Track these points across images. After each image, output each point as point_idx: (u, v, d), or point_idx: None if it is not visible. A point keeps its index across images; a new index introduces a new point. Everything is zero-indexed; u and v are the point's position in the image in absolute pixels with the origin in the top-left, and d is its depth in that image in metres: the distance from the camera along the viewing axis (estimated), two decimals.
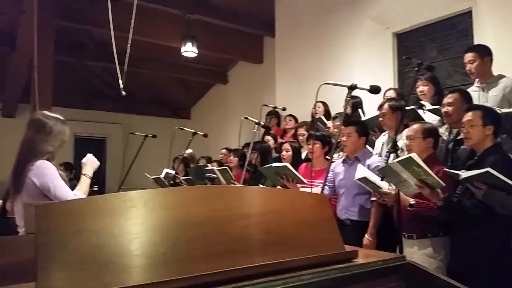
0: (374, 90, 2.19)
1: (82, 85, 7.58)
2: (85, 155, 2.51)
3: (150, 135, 4.50)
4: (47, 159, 2.30)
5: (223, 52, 7.10)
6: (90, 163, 2.47)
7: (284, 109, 5.11)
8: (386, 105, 3.09)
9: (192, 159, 5.63)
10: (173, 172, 4.87)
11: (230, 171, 3.91)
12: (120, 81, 3.61)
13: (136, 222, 1.12)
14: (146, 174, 4.92)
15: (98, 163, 2.49)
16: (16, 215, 2.33)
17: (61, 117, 2.44)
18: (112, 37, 3.59)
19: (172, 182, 4.45)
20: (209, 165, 4.81)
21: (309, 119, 4.65)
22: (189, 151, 4.91)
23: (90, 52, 6.93)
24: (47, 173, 2.23)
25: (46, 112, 2.49)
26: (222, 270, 1.12)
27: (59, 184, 2.24)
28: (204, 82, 8.57)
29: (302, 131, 4.19)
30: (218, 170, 3.89)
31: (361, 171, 2.64)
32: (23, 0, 5.17)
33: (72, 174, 5.63)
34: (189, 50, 6.03)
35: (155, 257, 1.10)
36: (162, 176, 4.93)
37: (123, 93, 3.50)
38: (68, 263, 1.01)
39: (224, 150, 5.40)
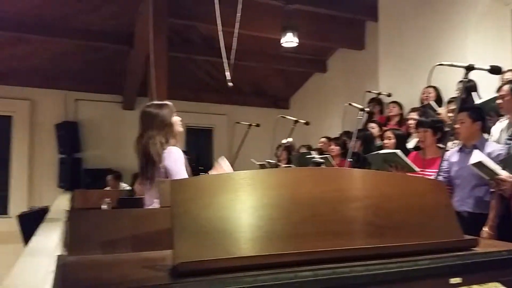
0: (495, 70, 2.03)
1: (191, 79, 8.12)
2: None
3: (254, 124, 4.70)
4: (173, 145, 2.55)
5: (322, 41, 7.06)
6: (223, 166, 2.59)
7: (389, 95, 4.94)
8: (506, 87, 2.83)
9: (293, 147, 5.75)
10: (272, 160, 5.04)
11: (331, 159, 3.91)
12: (227, 73, 3.82)
13: (255, 198, 1.21)
14: (252, 160, 5.15)
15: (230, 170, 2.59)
16: (146, 195, 2.63)
17: (169, 103, 2.66)
18: (219, 32, 3.81)
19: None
20: (312, 152, 4.87)
21: (415, 105, 4.44)
22: (289, 139, 5.02)
23: (197, 47, 7.39)
24: (174, 157, 2.48)
25: (154, 102, 2.73)
26: (337, 248, 1.16)
27: (182, 169, 2.47)
28: (303, 71, 8.61)
29: (413, 115, 3.99)
30: (320, 158, 3.92)
31: (476, 156, 2.47)
32: (140, 3, 5.70)
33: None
34: (289, 40, 6.10)
35: (272, 232, 1.18)
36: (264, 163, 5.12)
37: (230, 84, 3.70)
38: (199, 233, 1.13)
39: (323, 139, 5.40)
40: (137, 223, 1.40)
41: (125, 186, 6.36)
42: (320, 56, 8.13)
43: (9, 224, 6.39)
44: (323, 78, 8.29)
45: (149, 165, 2.52)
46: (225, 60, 3.88)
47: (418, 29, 5.36)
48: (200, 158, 7.58)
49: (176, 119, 2.61)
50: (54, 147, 7.36)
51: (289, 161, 5.30)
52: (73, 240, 1.35)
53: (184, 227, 1.12)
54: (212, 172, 2.62)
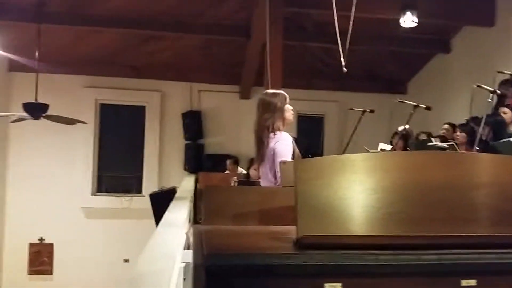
0: None
1: (303, 66, 8.20)
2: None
3: (368, 110, 4.58)
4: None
5: (445, 18, 6.53)
6: None
7: None
8: None
9: (410, 134, 5.48)
10: (389, 147, 4.86)
11: (457, 147, 3.67)
12: (342, 59, 3.80)
13: (375, 180, 1.23)
14: (365, 147, 5.05)
15: None
16: (262, 179, 2.83)
17: (282, 92, 2.83)
18: (334, 17, 3.80)
19: None
20: (432, 139, 4.60)
21: None
22: (407, 126, 4.80)
23: (309, 34, 7.42)
24: (283, 142, 2.66)
25: (269, 91, 2.93)
26: (463, 234, 1.13)
27: (289, 155, 2.63)
28: (423, 53, 8.06)
29: None
30: (444, 145, 3.70)
31: None
32: None
33: None
34: (408, 20, 5.80)
35: (392, 214, 1.19)
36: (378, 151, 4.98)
37: (345, 69, 3.69)
38: (320, 210, 1.19)
39: (446, 125, 5.06)
40: (262, 199, 1.53)
41: (242, 170, 6.75)
42: (442, 35, 7.54)
43: (143, 202, 7.26)
44: (447, 59, 7.68)
45: (261, 148, 2.74)
46: (340, 45, 3.86)
47: None
48: (310, 146, 7.67)
49: (288, 107, 2.78)
50: (180, 134, 8.11)
51: (405, 149, 5.07)
52: (207, 212, 1.53)
53: (307, 204, 1.19)
54: None
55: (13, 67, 7.64)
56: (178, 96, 8.30)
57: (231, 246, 1.22)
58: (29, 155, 7.86)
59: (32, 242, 7.87)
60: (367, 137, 6.03)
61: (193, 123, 7.98)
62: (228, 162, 6.99)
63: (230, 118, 8.31)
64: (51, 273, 7.94)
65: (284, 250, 1.13)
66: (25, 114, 5.53)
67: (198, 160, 7.73)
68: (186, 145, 8.09)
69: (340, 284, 1.08)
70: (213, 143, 8.16)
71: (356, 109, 4.82)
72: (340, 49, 3.74)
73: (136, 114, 8.33)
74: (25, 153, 7.86)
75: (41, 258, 7.86)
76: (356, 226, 1.17)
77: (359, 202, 1.20)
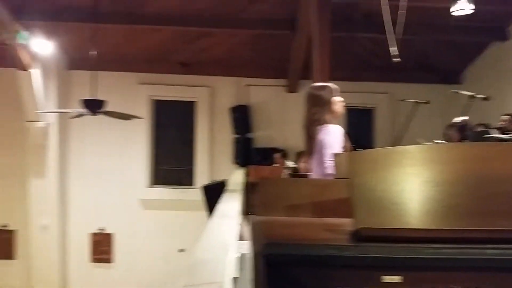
0: None
1: (351, 58, 8.05)
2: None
3: (422, 101, 4.44)
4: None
5: (502, 4, 6.17)
6: None
7: None
8: None
9: (467, 126, 5.24)
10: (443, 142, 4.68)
11: None
12: (392, 49, 3.71)
13: (433, 173, 1.21)
14: (418, 140, 4.90)
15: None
16: (313, 172, 2.84)
17: (331, 86, 2.80)
18: (384, 6, 3.71)
19: None
20: (490, 131, 4.39)
21: None
22: (464, 117, 4.59)
23: (357, 25, 7.26)
24: (332, 134, 2.64)
25: (316, 84, 2.91)
26: None
27: (334, 146, 2.60)
28: (478, 41, 7.67)
29: None
30: (504, 137, 3.52)
31: None
32: None
33: None
34: (461, 8, 5.52)
35: (452, 207, 1.16)
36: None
37: (397, 60, 3.60)
38: (377, 203, 1.19)
39: (506, 116, 4.80)
40: (315, 191, 1.55)
41: (290, 163, 6.77)
42: (498, 23, 7.13)
43: (195, 194, 7.47)
44: (503, 47, 7.26)
45: (310, 141, 2.74)
46: (389, 35, 3.76)
47: None
48: (360, 139, 7.53)
49: (336, 99, 2.75)
50: (229, 128, 8.25)
51: (461, 141, 4.87)
52: (261, 203, 1.57)
53: (364, 196, 1.19)
54: None
55: (72, 65, 8.10)
56: (227, 91, 8.44)
57: (289, 236, 1.25)
58: (89, 150, 8.34)
59: (93, 232, 8.37)
60: (420, 129, 5.84)
61: (242, 117, 8.09)
62: (276, 155, 7.04)
63: (277, 112, 8.34)
64: (111, 261, 8.41)
65: (341, 242, 1.14)
66: (84, 110, 5.84)
67: (247, 153, 7.83)
68: (235, 139, 8.21)
69: (399, 277, 1.08)
70: (261, 136, 8.24)
71: (408, 100, 4.68)
72: (390, 40, 3.65)
73: (187, 110, 8.57)
74: (85, 147, 8.34)
75: (101, 247, 8.35)
76: (415, 219, 1.16)
77: (417, 195, 1.18)
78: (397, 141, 4.53)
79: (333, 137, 2.64)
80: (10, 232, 8.35)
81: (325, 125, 2.69)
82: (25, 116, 7.61)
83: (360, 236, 1.12)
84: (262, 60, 8.07)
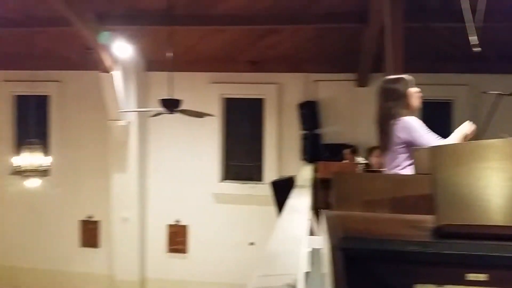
0: None
1: (426, 49, 7.67)
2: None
3: (506, 93, 4.13)
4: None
5: None
6: (465, 129, 2.55)
7: None
8: None
9: None
10: None
11: None
12: (473, 38, 3.49)
13: None
14: (501, 134, 4.58)
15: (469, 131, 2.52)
16: (387, 167, 2.77)
17: (406, 77, 2.68)
18: None
19: None
20: None
21: None
22: None
23: (432, 14, 6.90)
24: (409, 126, 2.55)
25: (390, 77, 2.79)
26: None
27: (420, 134, 2.51)
28: None
29: None
30: None
31: None
32: None
33: None
34: None
35: None
36: None
37: (478, 49, 3.39)
38: (461, 199, 1.16)
39: None
40: (393, 187, 1.53)
41: (360, 159, 6.63)
42: None
43: (264, 189, 7.60)
44: None
45: (385, 136, 2.65)
46: (468, 23, 3.54)
47: None
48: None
49: (412, 91, 2.64)
50: (297, 124, 8.25)
51: None
52: (337, 198, 1.59)
53: (447, 192, 1.17)
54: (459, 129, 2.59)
55: (150, 67, 8.58)
56: (294, 87, 8.44)
57: (367, 231, 1.25)
58: (165, 146, 8.82)
59: (169, 223, 8.84)
60: (503, 123, 5.43)
61: (310, 113, 8.05)
62: (346, 151, 6.93)
63: (346, 107, 8.19)
64: (186, 252, 8.84)
65: (423, 238, 1.13)
66: (162, 109, 6.17)
67: (315, 150, 7.79)
68: (303, 135, 8.20)
69: (484, 275, 1.05)
70: (330, 132, 8.14)
71: (490, 92, 4.37)
72: (471, 28, 3.44)
73: (256, 107, 8.71)
74: (162, 144, 8.83)
75: (177, 238, 8.80)
76: (500, 215, 1.12)
77: (503, 191, 1.14)
78: (478, 136, 4.25)
79: (415, 129, 2.53)
80: (95, 222, 9.09)
81: (401, 118, 2.60)
82: (108, 115, 8.21)
83: (442, 233, 1.11)
84: (330, 54, 7.96)
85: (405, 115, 2.63)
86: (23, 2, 7.14)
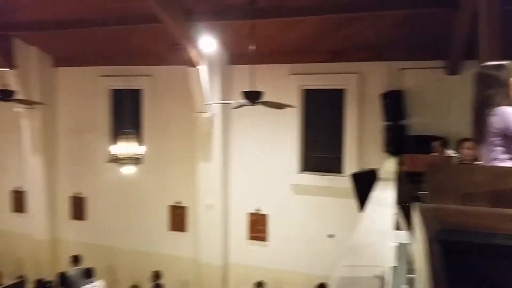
0: None
1: None
2: None
3: None
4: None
5: None
6: None
7: None
8: None
9: None
10: None
11: None
12: None
13: None
14: None
15: None
16: (484, 160, 2.62)
17: (509, 64, 2.46)
18: None
19: None
20: None
21: None
22: None
23: None
24: (508, 117, 2.37)
25: (491, 63, 2.57)
26: None
27: None
28: None
29: None
30: None
31: None
32: None
33: None
34: None
35: None
36: None
37: None
38: None
39: None
40: (493, 180, 1.47)
41: (451, 152, 6.26)
42: None
43: (343, 181, 7.52)
44: None
45: (481, 128, 2.49)
46: None
47: None
48: None
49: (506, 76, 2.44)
50: (379, 115, 7.99)
51: None
52: (432, 190, 1.56)
53: None
54: None
55: (233, 60, 8.85)
56: (377, 76, 8.18)
57: (466, 225, 1.24)
58: (247, 137, 9.10)
59: (250, 212, 9.14)
60: None
61: (394, 103, 7.74)
62: (435, 143, 6.55)
63: (435, 96, 7.74)
64: (266, 240, 9.09)
65: None
66: (244, 101, 6.37)
67: (400, 141, 7.49)
68: (386, 126, 7.93)
69: None
70: (417, 123, 7.76)
71: None
72: None
73: (336, 97, 8.61)
74: (244, 135, 9.11)
75: (257, 226, 9.08)
76: None
77: None
78: None
79: None
80: (183, 208, 9.68)
81: (499, 109, 2.42)
82: (194, 108, 8.65)
83: None
84: (416, 41, 7.56)
85: (505, 105, 2.44)
86: (118, 2, 7.70)
